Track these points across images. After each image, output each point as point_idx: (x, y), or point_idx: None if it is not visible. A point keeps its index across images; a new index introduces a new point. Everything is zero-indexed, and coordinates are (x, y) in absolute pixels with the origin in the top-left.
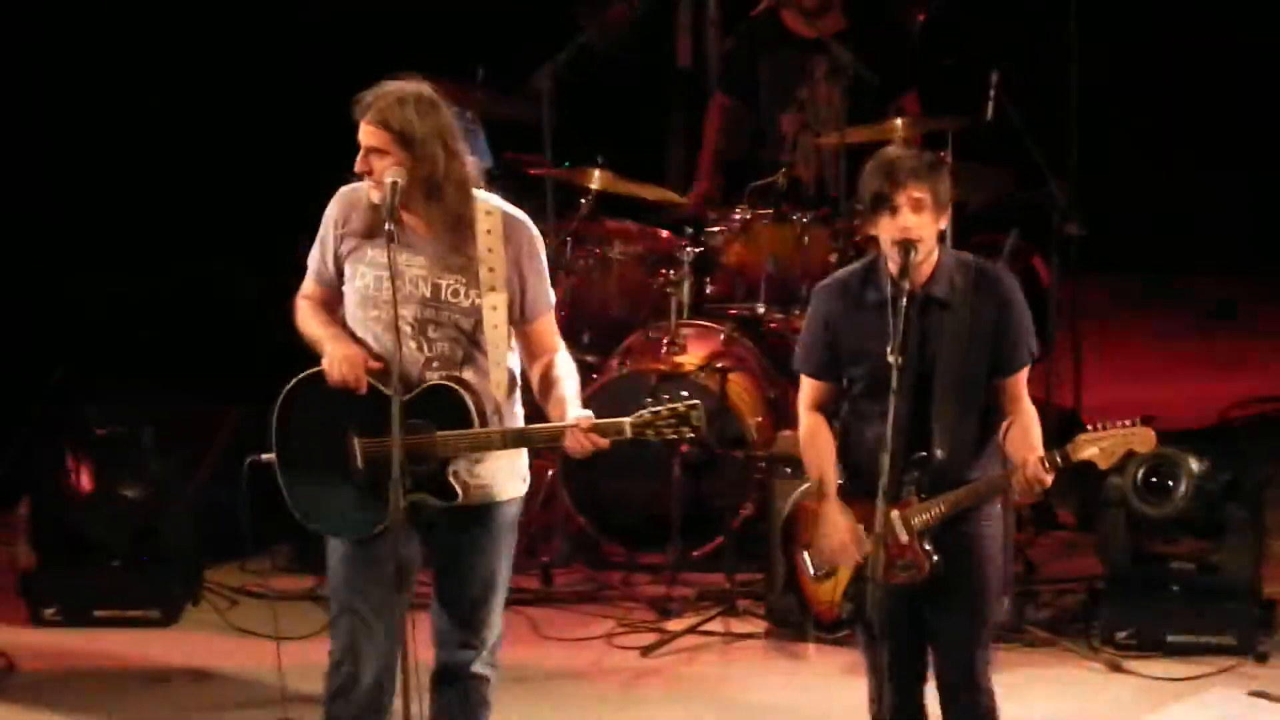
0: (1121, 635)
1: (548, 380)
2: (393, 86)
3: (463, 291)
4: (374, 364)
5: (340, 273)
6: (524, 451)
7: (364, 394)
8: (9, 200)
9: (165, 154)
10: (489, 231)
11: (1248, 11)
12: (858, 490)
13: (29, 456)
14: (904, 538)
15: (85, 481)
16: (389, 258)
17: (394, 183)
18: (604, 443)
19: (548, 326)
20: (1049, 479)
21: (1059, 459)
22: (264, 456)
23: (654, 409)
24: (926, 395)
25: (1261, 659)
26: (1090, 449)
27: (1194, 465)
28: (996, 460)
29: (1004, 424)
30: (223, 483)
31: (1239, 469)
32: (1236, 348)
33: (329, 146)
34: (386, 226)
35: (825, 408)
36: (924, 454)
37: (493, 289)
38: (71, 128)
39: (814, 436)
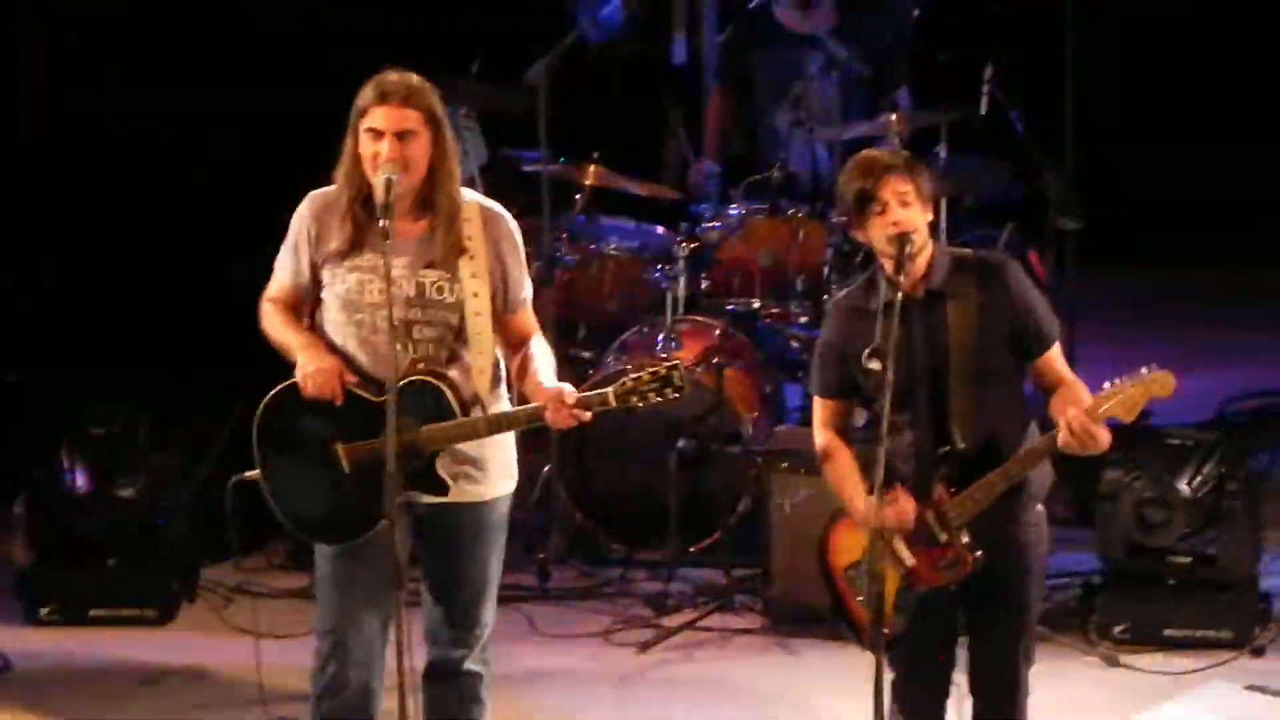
0: (1118, 629)
1: (524, 363)
2: (400, 74)
3: (447, 287)
4: (349, 377)
5: (315, 278)
6: (512, 448)
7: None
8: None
9: (168, 145)
10: (468, 221)
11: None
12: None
13: (25, 455)
14: (942, 536)
15: (81, 480)
16: (385, 258)
17: (389, 179)
18: (586, 416)
19: (527, 317)
20: (1102, 433)
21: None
22: (248, 475)
23: (635, 375)
24: (944, 390)
25: (1258, 653)
26: (1111, 403)
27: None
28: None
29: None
30: (220, 481)
31: (1236, 463)
32: (1237, 341)
33: (322, 140)
34: (382, 223)
35: (840, 427)
36: (946, 448)
37: (474, 276)
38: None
39: (834, 459)
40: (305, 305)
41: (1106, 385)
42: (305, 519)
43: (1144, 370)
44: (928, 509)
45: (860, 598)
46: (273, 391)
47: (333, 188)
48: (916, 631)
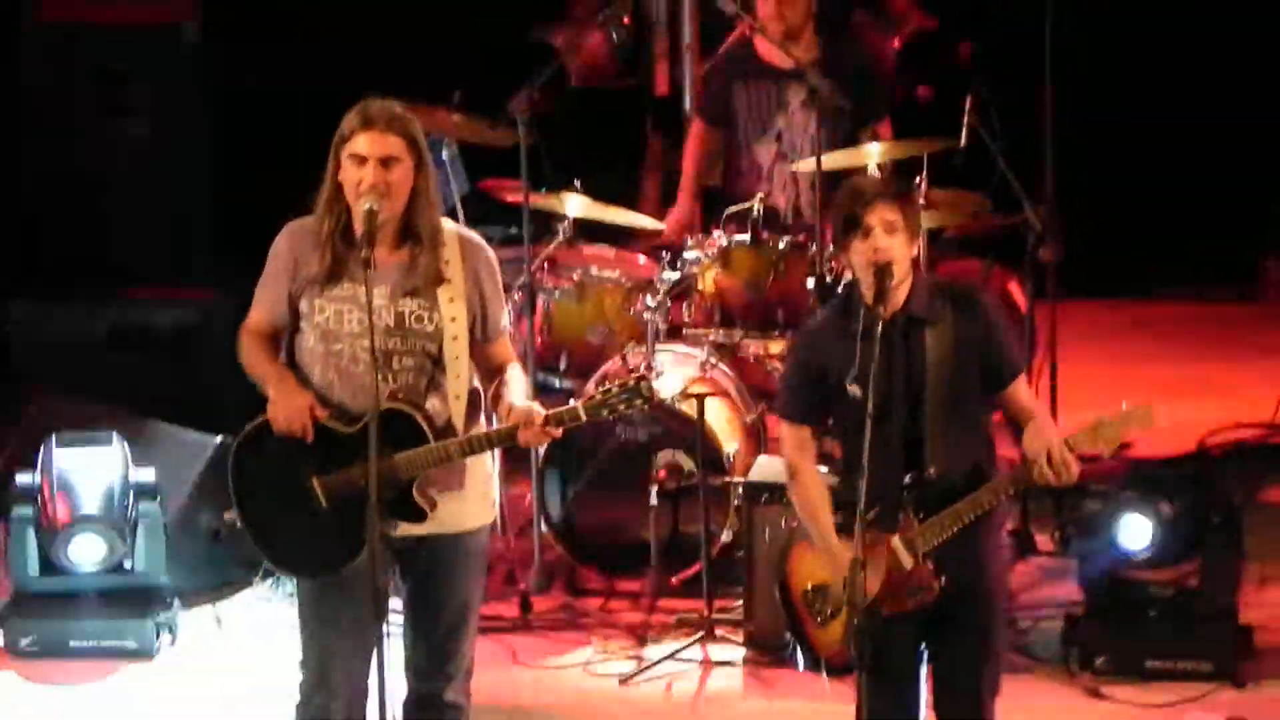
0: (1100, 661)
1: (498, 388)
2: (383, 102)
3: (426, 316)
4: (320, 411)
5: (294, 309)
6: (493, 478)
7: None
8: None
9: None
10: (446, 247)
11: (1227, 38)
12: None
13: (3, 486)
14: (908, 563)
15: (62, 512)
16: (367, 288)
17: (370, 209)
18: (557, 432)
19: (504, 347)
20: (1077, 465)
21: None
22: (226, 515)
23: (604, 388)
24: (918, 416)
25: (1239, 685)
26: (1091, 436)
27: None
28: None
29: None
30: (201, 513)
31: (1218, 494)
32: (1216, 373)
33: (306, 174)
34: (364, 254)
35: (810, 451)
36: (916, 474)
37: (451, 301)
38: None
39: (802, 480)
40: (283, 335)
41: (1087, 418)
42: (284, 553)
43: (1124, 404)
44: (894, 535)
45: (819, 620)
46: (245, 429)
47: (311, 217)
48: (882, 658)
